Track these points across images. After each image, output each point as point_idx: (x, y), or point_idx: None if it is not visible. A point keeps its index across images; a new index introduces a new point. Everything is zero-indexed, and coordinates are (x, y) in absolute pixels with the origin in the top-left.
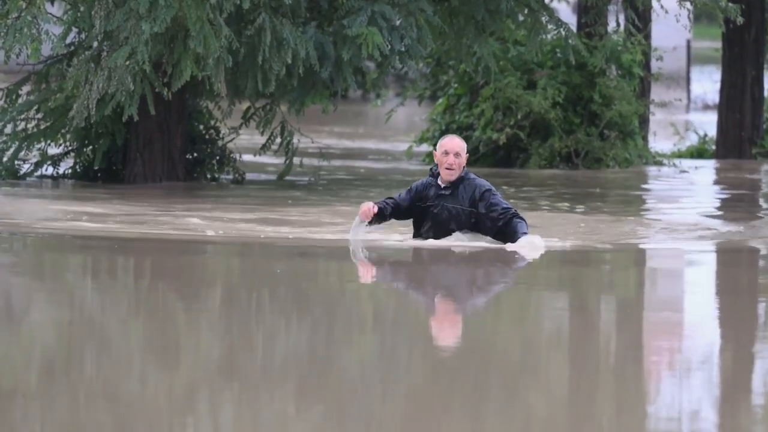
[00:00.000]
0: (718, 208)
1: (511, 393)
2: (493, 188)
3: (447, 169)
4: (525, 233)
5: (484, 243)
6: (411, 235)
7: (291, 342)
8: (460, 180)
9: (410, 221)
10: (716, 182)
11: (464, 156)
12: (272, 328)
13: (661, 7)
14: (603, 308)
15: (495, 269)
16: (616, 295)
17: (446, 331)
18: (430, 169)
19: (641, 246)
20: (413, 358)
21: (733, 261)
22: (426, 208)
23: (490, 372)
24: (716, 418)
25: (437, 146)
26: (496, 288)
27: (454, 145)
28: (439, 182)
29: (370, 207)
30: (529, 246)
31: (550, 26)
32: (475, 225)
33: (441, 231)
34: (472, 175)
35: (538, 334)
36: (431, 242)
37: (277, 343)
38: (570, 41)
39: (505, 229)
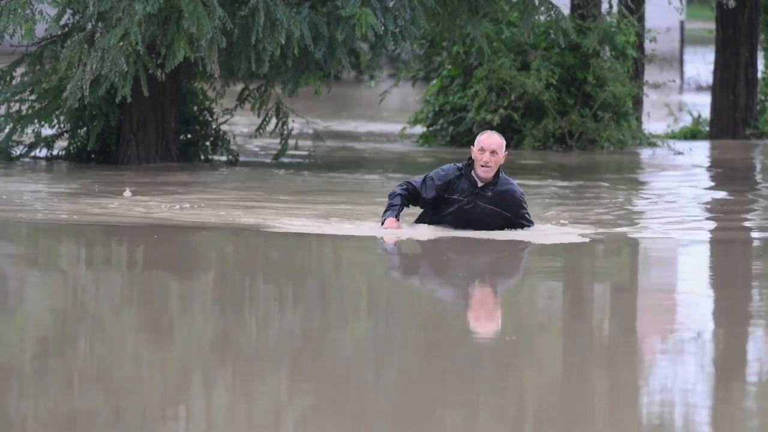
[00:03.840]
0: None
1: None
2: (524, 197)
3: (483, 166)
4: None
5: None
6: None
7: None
8: (496, 179)
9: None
10: (712, 163)
11: (502, 154)
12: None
13: None
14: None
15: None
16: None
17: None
18: (468, 159)
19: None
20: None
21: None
22: (454, 200)
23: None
24: None
25: (475, 142)
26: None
27: (491, 142)
28: (476, 178)
29: (394, 227)
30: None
31: (542, 8)
32: (499, 227)
33: (462, 225)
34: (506, 177)
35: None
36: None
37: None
38: (561, 24)
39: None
